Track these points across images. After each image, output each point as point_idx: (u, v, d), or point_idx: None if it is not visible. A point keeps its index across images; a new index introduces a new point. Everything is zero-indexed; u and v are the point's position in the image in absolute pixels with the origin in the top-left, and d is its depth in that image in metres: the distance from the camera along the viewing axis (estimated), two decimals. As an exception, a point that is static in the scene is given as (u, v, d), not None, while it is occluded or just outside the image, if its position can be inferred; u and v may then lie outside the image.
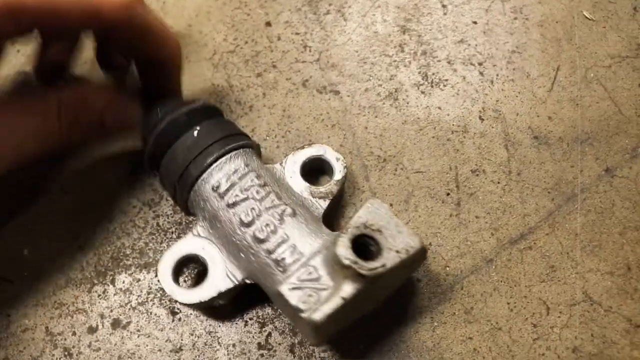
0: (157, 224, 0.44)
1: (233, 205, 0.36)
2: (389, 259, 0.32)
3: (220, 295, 0.36)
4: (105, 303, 0.42)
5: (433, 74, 0.47)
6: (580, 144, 0.44)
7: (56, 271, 0.43)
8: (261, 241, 0.35)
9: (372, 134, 0.45)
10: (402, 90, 0.46)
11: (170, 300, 0.41)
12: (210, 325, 0.40)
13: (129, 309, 0.41)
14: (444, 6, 0.49)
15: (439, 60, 0.47)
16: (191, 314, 0.41)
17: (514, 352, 0.38)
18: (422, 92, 0.46)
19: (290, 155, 0.40)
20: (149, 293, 0.42)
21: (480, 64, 0.47)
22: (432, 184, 0.43)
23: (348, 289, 0.32)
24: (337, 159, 0.40)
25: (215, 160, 0.37)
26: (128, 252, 0.43)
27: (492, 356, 0.38)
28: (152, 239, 0.43)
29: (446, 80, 0.46)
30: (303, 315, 0.32)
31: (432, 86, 0.46)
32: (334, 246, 0.32)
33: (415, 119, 0.45)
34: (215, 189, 0.37)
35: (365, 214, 0.34)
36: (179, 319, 0.41)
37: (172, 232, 0.43)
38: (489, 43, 0.47)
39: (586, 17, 0.48)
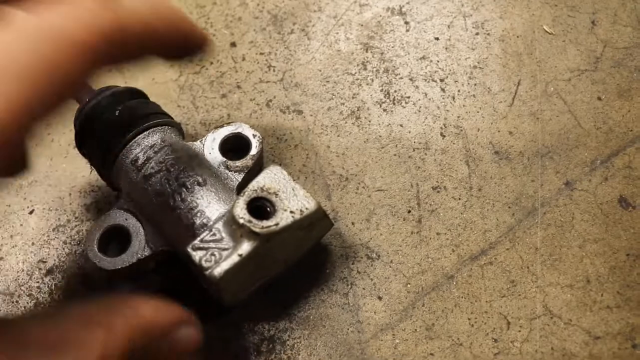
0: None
1: (149, 177, 0.38)
2: (282, 218, 0.35)
3: (141, 262, 0.39)
4: None
5: (395, 91, 0.47)
6: (541, 158, 0.44)
7: (25, 295, 0.43)
8: (173, 209, 0.37)
9: (335, 153, 0.45)
10: (364, 109, 0.47)
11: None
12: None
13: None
14: (406, 23, 0.50)
15: (401, 78, 0.48)
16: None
17: (474, 368, 0.39)
18: (384, 110, 0.47)
19: (210, 134, 0.43)
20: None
21: (442, 80, 0.48)
22: (393, 201, 0.44)
23: (245, 247, 0.34)
24: (254, 136, 0.42)
25: (134, 137, 0.39)
26: (95, 276, 0.44)
27: (453, 372, 0.39)
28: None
29: (408, 97, 0.47)
30: (206, 272, 0.34)
31: (394, 103, 0.47)
32: (232, 211, 0.35)
33: (377, 137, 0.46)
34: (133, 162, 0.39)
35: (264, 178, 0.36)
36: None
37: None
38: (451, 59, 0.48)
39: (546, 31, 0.49)
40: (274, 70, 0.49)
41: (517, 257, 0.42)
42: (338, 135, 0.46)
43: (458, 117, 0.46)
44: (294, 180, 0.37)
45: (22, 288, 0.44)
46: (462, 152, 0.45)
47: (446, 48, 0.49)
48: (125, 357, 0.27)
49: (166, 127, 0.41)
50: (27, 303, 0.43)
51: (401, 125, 0.46)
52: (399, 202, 0.44)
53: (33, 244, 0.45)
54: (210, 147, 0.42)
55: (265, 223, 0.34)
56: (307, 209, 0.36)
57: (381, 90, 0.47)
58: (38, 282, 0.44)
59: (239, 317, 0.41)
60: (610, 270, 0.41)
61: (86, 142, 0.41)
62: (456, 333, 0.40)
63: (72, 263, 0.45)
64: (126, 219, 0.40)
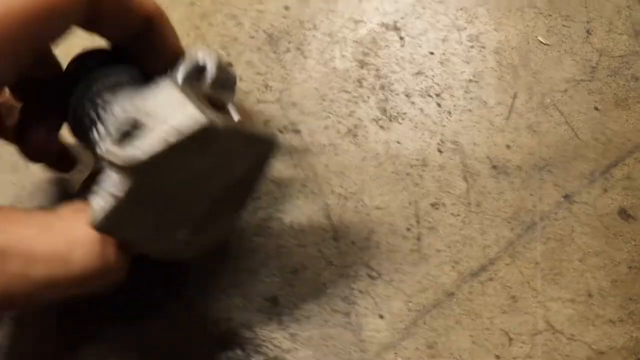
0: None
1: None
2: (152, 142, 0.26)
3: None
4: None
5: (391, 107, 0.48)
6: (539, 171, 0.45)
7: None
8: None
9: (333, 172, 0.46)
10: (362, 126, 0.47)
11: (142, 347, 0.43)
12: (180, 371, 0.41)
13: None
14: (401, 38, 0.50)
15: (397, 94, 0.48)
16: (161, 355, 0.42)
17: (477, 385, 0.39)
18: (381, 127, 0.47)
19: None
20: (121, 341, 0.43)
21: (437, 95, 0.48)
22: (392, 219, 0.44)
23: (118, 185, 0.28)
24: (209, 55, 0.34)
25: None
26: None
27: (456, 390, 0.39)
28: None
29: (404, 113, 0.47)
30: (89, 220, 0.29)
31: (390, 120, 0.47)
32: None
33: (375, 154, 0.46)
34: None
35: (144, 97, 0.29)
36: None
37: (142, 279, 0.44)
38: (446, 73, 0.48)
39: (541, 42, 0.49)
40: (270, 90, 0.50)
41: (518, 273, 0.42)
42: (336, 154, 0.46)
43: (455, 132, 0.46)
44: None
45: None
46: (460, 168, 0.45)
47: (441, 62, 0.49)
48: None
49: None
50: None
51: (398, 142, 0.46)
52: (398, 219, 0.44)
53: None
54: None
55: (129, 151, 0.27)
56: (186, 126, 0.27)
57: (377, 107, 0.48)
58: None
59: (243, 338, 0.42)
60: (612, 284, 0.41)
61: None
62: (458, 350, 0.40)
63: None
64: None
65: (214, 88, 0.33)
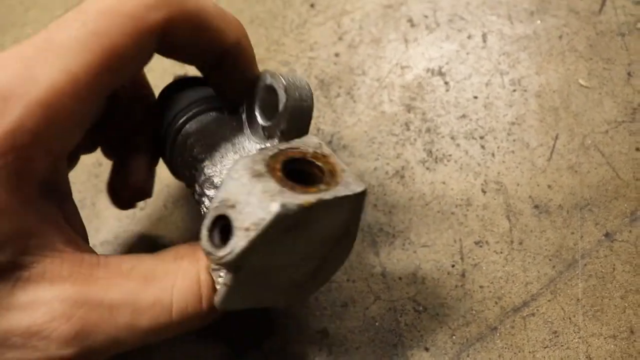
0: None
1: (186, 152, 0.39)
2: (238, 240, 0.28)
3: None
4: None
5: (437, 149, 0.52)
6: (580, 211, 0.48)
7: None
8: (199, 195, 0.37)
9: (382, 211, 0.50)
10: (408, 168, 0.52)
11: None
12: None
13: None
14: (446, 83, 0.55)
15: (442, 137, 0.52)
16: (223, 386, 0.47)
17: (520, 417, 0.42)
18: (427, 168, 0.51)
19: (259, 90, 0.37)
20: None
21: (481, 137, 0.52)
22: (437, 256, 0.48)
23: (225, 275, 0.31)
24: (278, 80, 0.35)
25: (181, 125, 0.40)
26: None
27: (499, 421, 0.42)
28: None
29: (450, 155, 0.52)
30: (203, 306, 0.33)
31: (436, 162, 0.52)
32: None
33: (421, 194, 0.50)
34: (182, 136, 0.39)
35: (225, 187, 0.30)
36: (213, 391, 0.47)
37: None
38: (490, 116, 0.53)
39: (582, 85, 0.52)
40: (322, 133, 0.55)
41: (559, 308, 0.45)
42: (384, 194, 0.51)
43: (498, 173, 0.50)
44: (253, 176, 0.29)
45: None
46: (503, 207, 0.49)
47: (485, 106, 0.53)
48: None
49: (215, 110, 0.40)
50: None
51: (444, 183, 0.51)
52: (443, 257, 0.48)
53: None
54: (255, 124, 0.37)
55: (220, 252, 0.29)
56: (263, 219, 0.27)
57: (424, 150, 0.52)
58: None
59: (297, 368, 0.46)
60: (652, 321, 0.44)
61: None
62: (501, 383, 0.43)
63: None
64: None
65: (288, 113, 0.34)
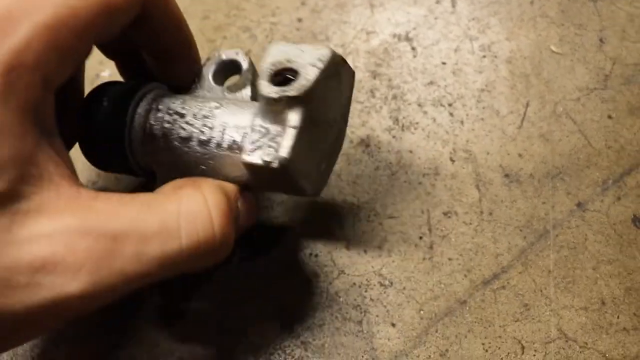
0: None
1: (167, 133, 0.39)
2: (308, 73, 0.35)
3: None
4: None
5: (404, 117, 0.50)
6: (552, 180, 0.46)
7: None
8: (207, 142, 0.38)
9: (345, 182, 0.48)
10: (374, 136, 0.49)
11: None
12: (195, 378, 0.44)
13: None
14: (413, 48, 0.52)
15: (409, 104, 0.50)
16: (176, 368, 0.44)
17: (490, 393, 0.40)
18: (394, 137, 0.49)
19: (206, 64, 0.44)
20: None
21: (450, 104, 0.50)
22: (404, 228, 0.46)
23: (292, 118, 0.35)
24: (237, 53, 0.43)
25: (132, 113, 0.39)
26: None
27: (468, 398, 0.40)
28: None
29: (417, 123, 0.49)
30: (273, 165, 0.34)
31: (402, 130, 0.49)
32: (260, 96, 0.35)
33: (387, 164, 0.48)
34: (146, 132, 0.39)
35: (268, 57, 0.36)
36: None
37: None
38: (459, 83, 0.50)
39: (553, 51, 0.50)
40: (283, 101, 0.52)
41: (530, 281, 0.43)
42: (349, 164, 0.48)
43: (467, 141, 0.48)
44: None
45: None
46: (472, 177, 0.47)
47: (453, 72, 0.51)
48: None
49: (156, 90, 0.41)
50: None
51: (410, 152, 0.48)
52: (410, 228, 0.46)
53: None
54: (207, 86, 0.43)
55: (297, 84, 0.34)
56: (324, 55, 0.35)
57: (390, 117, 0.50)
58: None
59: (256, 346, 0.44)
60: (625, 292, 0.42)
61: (105, 152, 0.41)
62: (470, 359, 0.41)
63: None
64: None
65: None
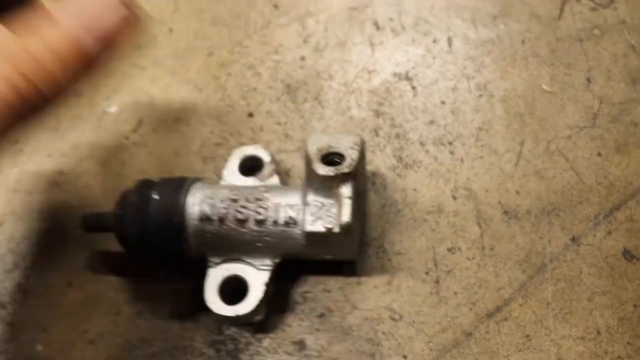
0: (161, 315, 0.49)
1: (224, 217, 0.45)
2: (352, 154, 0.43)
3: (267, 286, 0.45)
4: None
5: (407, 156, 0.53)
6: (547, 215, 0.50)
7: (69, 365, 0.48)
8: (263, 222, 0.44)
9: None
10: (379, 174, 0.52)
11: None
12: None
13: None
14: (413, 88, 0.55)
15: (412, 142, 0.53)
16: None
17: (497, 421, 0.44)
18: (398, 175, 0.52)
19: (230, 159, 0.51)
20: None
21: (450, 143, 0.53)
22: (412, 264, 0.49)
23: (346, 190, 0.43)
24: (256, 148, 0.51)
25: (185, 204, 0.45)
26: (136, 343, 0.49)
27: None
28: (158, 329, 0.49)
29: (420, 161, 0.52)
30: (335, 230, 0.42)
31: (406, 168, 0.52)
32: (314, 176, 0.43)
33: (393, 201, 0.51)
34: (202, 219, 0.45)
35: (312, 145, 0.44)
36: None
37: (176, 322, 0.49)
38: (457, 122, 0.53)
39: (545, 90, 0.54)
40: (291, 140, 0.54)
41: (531, 312, 0.47)
42: (356, 202, 0.51)
43: (467, 179, 0.51)
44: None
45: (68, 357, 0.49)
46: (473, 213, 0.50)
47: (452, 111, 0.54)
48: None
49: (196, 182, 0.48)
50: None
51: (415, 190, 0.51)
52: (417, 264, 0.49)
53: (75, 314, 0.50)
54: (236, 178, 0.50)
55: (347, 163, 0.43)
56: (357, 140, 0.45)
57: (394, 156, 0.53)
58: (81, 351, 0.49)
59: (275, 382, 0.46)
60: (619, 322, 0.46)
61: (145, 245, 0.46)
62: (478, 388, 0.45)
63: (112, 332, 0.49)
64: (227, 269, 0.46)
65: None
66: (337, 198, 0.43)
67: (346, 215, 0.42)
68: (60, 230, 0.54)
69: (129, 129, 0.57)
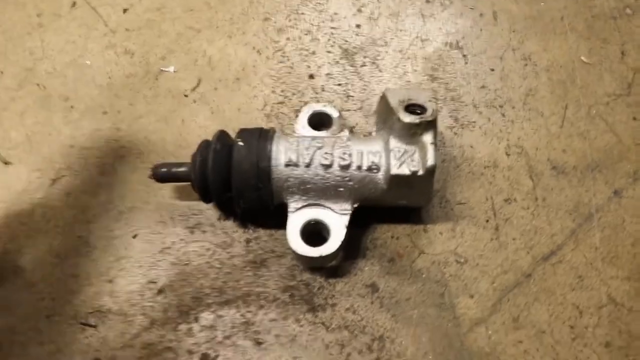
0: (233, 264, 0.52)
1: (310, 163, 0.48)
2: (431, 105, 0.47)
3: (347, 230, 0.49)
4: (192, 340, 0.50)
5: (462, 117, 0.57)
6: (591, 171, 0.55)
7: (139, 314, 0.50)
8: (348, 166, 0.48)
9: (418, 172, 0.55)
10: (438, 133, 0.56)
11: (254, 331, 0.50)
12: (293, 351, 0.49)
13: (216, 343, 0.50)
14: (464, 56, 0.60)
15: (466, 105, 0.58)
16: (275, 342, 0.49)
17: (557, 351, 0.49)
18: (455, 134, 0.57)
19: (301, 114, 0.54)
20: (232, 327, 0.50)
21: (501, 106, 0.58)
22: (473, 212, 0.53)
23: (429, 137, 0.47)
24: (325, 106, 0.54)
25: (271, 151, 0.49)
26: (208, 292, 0.51)
27: (539, 355, 0.49)
28: (230, 277, 0.52)
29: (474, 122, 0.57)
30: (420, 172, 0.46)
31: (462, 128, 0.57)
32: (398, 124, 0.46)
33: (452, 157, 0.56)
34: (288, 164, 0.48)
35: (392, 97, 0.48)
36: (264, 349, 0.49)
37: (248, 270, 0.52)
38: (506, 87, 0.59)
39: (584, 62, 0.60)
40: (352, 100, 0.58)
41: (582, 256, 0.52)
42: (418, 157, 0.56)
43: (518, 138, 0.57)
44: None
45: (136, 308, 0.51)
46: (526, 169, 0.55)
47: (501, 78, 0.59)
48: None
49: (277, 132, 0.51)
50: (142, 322, 0.50)
51: (471, 147, 0.56)
52: (477, 213, 0.53)
53: (141, 266, 0.52)
54: (307, 131, 0.54)
55: (429, 112, 0.47)
56: (430, 94, 0.49)
57: (450, 117, 0.57)
58: (150, 301, 0.51)
59: (349, 321, 0.50)
60: (659, 263, 0.52)
61: (226, 190, 0.49)
62: (538, 323, 0.50)
63: (182, 282, 0.52)
64: (307, 212, 0.50)
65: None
66: (420, 145, 0.47)
67: (431, 159, 0.46)
68: (122, 184, 0.56)
69: (188, 87, 0.60)
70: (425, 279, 0.51)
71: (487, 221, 0.53)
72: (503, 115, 0.58)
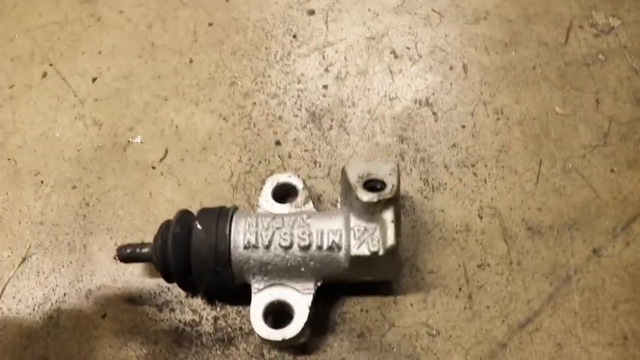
0: (201, 343, 0.52)
1: (269, 245, 0.48)
2: (391, 181, 0.46)
3: (311, 309, 0.48)
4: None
5: (432, 179, 0.56)
6: (569, 230, 0.54)
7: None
8: (307, 247, 0.48)
9: (387, 240, 0.54)
10: (408, 197, 0.56)
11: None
12: None
13: None
14: (434, 113, 0.60)
15: (436, 166, 0.57)
16: None
17: None
18: (425, 197, 0.56)
19: (265, 187, 0.54)
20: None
21: (473, 165, 0.57)
22: (444, 281, 0.52)
23: (389, 215, 0.46)
24: (290, 176, 0.54)
25: (230, 233, 0.48)
26: (177, 372, 0.51)
27: None
28: (199, 357, 0.51)
29: (445, 184, 0.56)
30: (381, 253, 0.45)
31: (433, 191, 0.56)
32: (356, 202, 0.46)
33: (423, 222, 0.55)
34: (247, 247, 0.48)
35: (351, 173, 0.48)
36: None
37: (216, 349, 0.51)
38: (478, 145, 0.58)
39: (558, 112, 0.59)
40: (320, 166, 0.58)
41: (560, 322, 0.50)
42: (387, 224, 0.55)
43: (492, 198, 0.55)
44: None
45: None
46: (499, 231, 0.54)
47: (472, 135, 0.58)
48: None
49: (236, 211, 0.51)
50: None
51: (442, 210, 0.55)
52: (449, 281, 0.52)
53: (111, 346, 0.52)
54: (271, 206, 0.54)
55: (388, 189, 0.46)
56: (393, 167, 0.48)
57: (420, 179, 0.57)
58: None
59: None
60: (642, 327, 0.50)
61: (186, 273, 0.49)
62: (516, 397, 0.48)
63: (151, 362, 0.51)
64: (270, 294, 0.49)
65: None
66: (380, 222, 0.46)
67: (391, 239, 0.45)
68: (91, 262, 0.56)
69: (155, 158, 0.60)
70: (395, 354, 0.50)
71: (460, 289, 0.52)
72: (475, 174, 0.57)
